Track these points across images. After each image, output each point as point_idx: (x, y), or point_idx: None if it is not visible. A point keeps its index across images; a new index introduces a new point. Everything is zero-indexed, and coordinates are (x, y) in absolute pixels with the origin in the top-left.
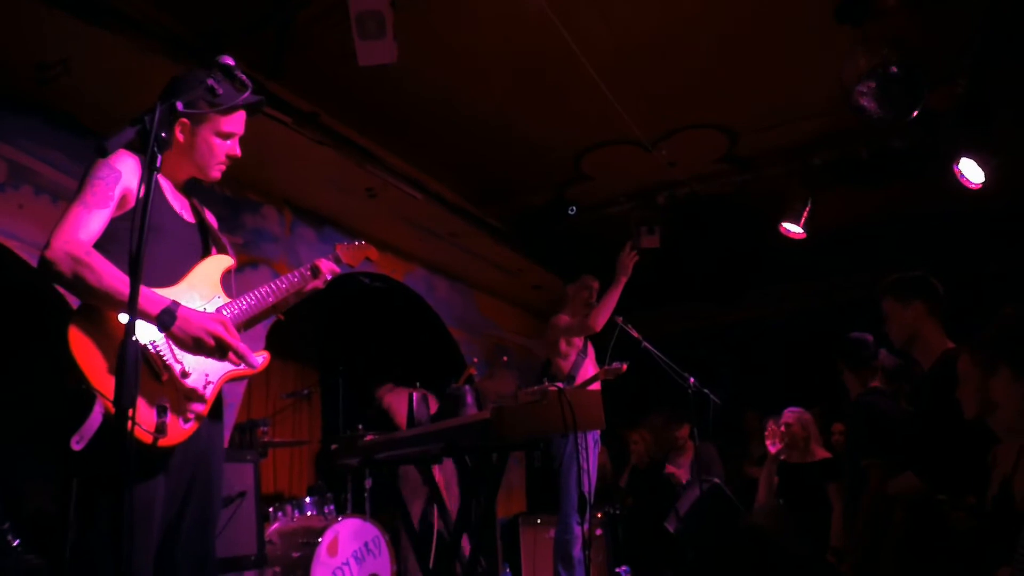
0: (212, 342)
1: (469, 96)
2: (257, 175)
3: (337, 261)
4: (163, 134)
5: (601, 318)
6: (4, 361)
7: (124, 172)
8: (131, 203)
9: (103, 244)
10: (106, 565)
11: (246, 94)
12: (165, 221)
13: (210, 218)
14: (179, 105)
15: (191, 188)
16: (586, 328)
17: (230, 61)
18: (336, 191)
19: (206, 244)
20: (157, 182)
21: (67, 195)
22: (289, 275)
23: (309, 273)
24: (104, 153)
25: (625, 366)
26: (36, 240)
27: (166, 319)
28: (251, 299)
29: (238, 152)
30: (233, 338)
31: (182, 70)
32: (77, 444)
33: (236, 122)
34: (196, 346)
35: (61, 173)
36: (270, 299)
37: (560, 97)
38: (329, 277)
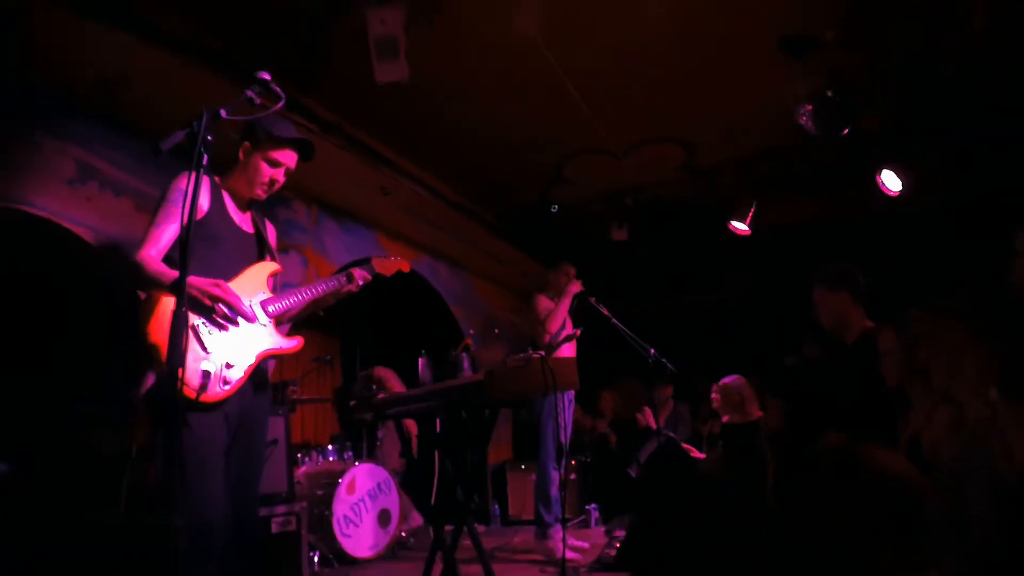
0: (209, 301)
1: (471, 111)
2: (289, 175)
3: (370, 270)
4: (208, 137)
5: (554, 324)
6: (85, 328)
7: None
8: (200, 215)
9: (175, 250)
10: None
11: (290, 129)
12: (225, 231)
13: (270, 232)
14: (223, 112)
15: (252, 204)
16: (545, 328)
17: (266, 76)
18: (356, 189)
19: (261, 252)
20: (222, 198)
21: (128, 190)
22: (327, 279)
23: (345, 279)
24: (159, 152)
25: (579, 331)
26: (100, 228)
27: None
28: (292, 297)
29: (281, 179)
30: (226, 294)
31: (226, 84)
32: (137, 394)
33: (285, 156)
34: (199, 306)
35: (122, 171)
36: (308, 297)
37: (546, 113)
38: (361, 283)
